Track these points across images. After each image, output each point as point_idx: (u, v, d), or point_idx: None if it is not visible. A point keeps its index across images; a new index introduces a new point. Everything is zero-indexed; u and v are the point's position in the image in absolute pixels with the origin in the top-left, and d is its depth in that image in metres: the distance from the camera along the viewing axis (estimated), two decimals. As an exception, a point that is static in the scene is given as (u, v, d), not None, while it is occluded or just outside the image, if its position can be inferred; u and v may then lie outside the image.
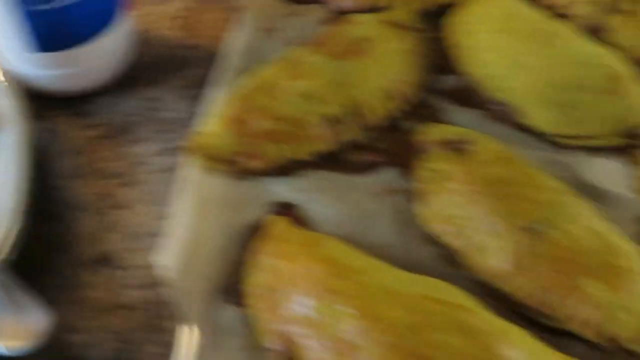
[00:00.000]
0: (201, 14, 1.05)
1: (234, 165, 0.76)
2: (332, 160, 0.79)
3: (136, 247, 0.80)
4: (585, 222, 0.72)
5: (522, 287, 0.69)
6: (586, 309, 0.67)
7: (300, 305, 0.64)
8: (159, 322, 0.75)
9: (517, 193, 0.72)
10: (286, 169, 0.77)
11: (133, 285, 0.77)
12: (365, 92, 0.81)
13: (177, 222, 0.72)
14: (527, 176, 0.74)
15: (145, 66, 0.97)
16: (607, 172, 0.84)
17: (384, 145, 0.82)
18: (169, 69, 0.97)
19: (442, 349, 0.60)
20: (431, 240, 0.75)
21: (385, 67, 0.83)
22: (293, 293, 0.65)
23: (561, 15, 0.96)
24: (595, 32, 0.93)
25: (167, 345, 0.74)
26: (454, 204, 0.74)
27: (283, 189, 0.76)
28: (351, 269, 0.65)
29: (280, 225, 0.70)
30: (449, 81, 0.90)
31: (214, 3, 1.06)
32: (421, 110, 0.86)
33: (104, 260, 0.79)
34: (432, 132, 0.81)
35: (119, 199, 0.84)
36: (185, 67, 0.98)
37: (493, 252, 0.71)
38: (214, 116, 0.79)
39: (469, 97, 0.88)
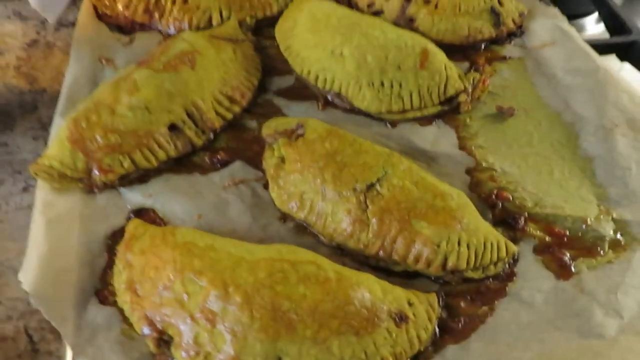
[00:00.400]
0: (44, 59, 1.08)
1: (89, 180, 0.80)
2: (181, 164, 0.85)
3: (3, 283, 0.81)
4: (412, 176, 0.81)
5: (368, 243, 0.77)
6: (419, 245, 0.76)
7: (160, 290, 0.68)
8: (37, 347, 0.77)
9: (343, 162, 0.81)
10: (139, 177, 0.82)
11: (5, 318, 0.78)
12: (199, 98, 0.87)
13: (33, 241, 0.74)
14: (353, 147, 0.83)
15: (-6, 115, 1.00)
16: (435, 136, 0.95)
17: (231, 144, 0.89)
18: (18, 114, 1.00)
19: (296, 300, 0.66)
20: (286, 217, 0.82)
21: (208, 75, 0.90)
22: (151, 281, 0.69)
23: (376, 12, 1.09)
24: (406, 23, 1.07)
25: (49, 367, 0.76)
26: (295, 182, 0.81)
27: (138, 195, 0.81)
28: (201, 248, 0.70)
29: (134, 226, 0.74)
30: (285, 81, 0.99)
31: (54, 47, 1.10)
32: (263, 109, 0.94)
33: (-27, 299, 0.79)
34: (271, 126, 0.88)
35: (-19, 240, 0.85)
36: (33, 110, 1.01)
37: (332, 217, 0.79)
38: (56, 140, 0.82)
39: (302, 92, 0.97)
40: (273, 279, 0.67)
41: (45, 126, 0.98)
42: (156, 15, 1.00)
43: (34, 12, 1.01)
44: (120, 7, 1.01)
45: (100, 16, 1.03)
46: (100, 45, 0.98)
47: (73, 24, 1.13)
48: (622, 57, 1.19)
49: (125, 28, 1.01)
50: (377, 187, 0.79)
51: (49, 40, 1.12)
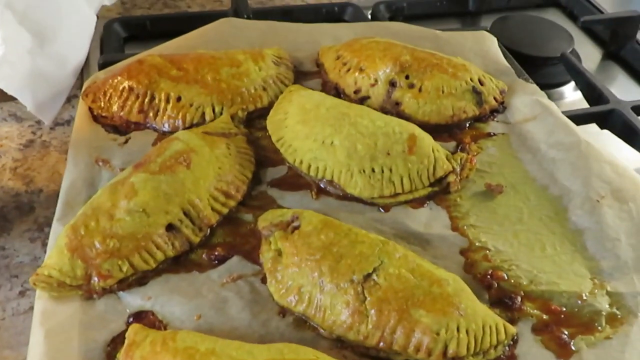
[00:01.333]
0: (40, 159, 1.11)
1: (88, 287, 0.80)
2: (179, 263, 0.86)
3: (1, 394, 0.81)
4: (407, 264, 0.82)
5: (368, 334, 0.78)
6: (418, 334, 0.76)
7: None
8: None
9: (339, 253, 0.82)
10: (138, 280, 0.83)
11: None
12: (196, 196, 0.89)
13: (33, 354, 0.74)
14: (348, 237, 0.85)
15: (-9, 218, 1.01)
16: (428, 218, 0.97)
17: (228, 239, 0.90)
18: (14, 216, 1.01)
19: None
20: (285, 312, 0.82)
21: (204, 172, 0.92)
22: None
23: (363, 98, 1.13)
24: (392, 107, 1.11)
25: None
26: (293, 276, 0.82)
27: (137, 298, 0.81)
28: (202, 353, 0.70)
29: (134, 332, 0.74)
30: (278, 172, 1.01)
31: (49, 147, 1.13)
32: (258, 201, 0.96)
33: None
34: (267, 218, 0.90)
35: (-20, 350, 0.85)
36: (30, 212, 1.02)
37: (331, 309, 0.79)
38: (55, 248, 0.83)
39: (295, 181, 1.00)
40: (275, 382, 0.67)
41: (41, 227, 0.99)
42: (150, 114, 1.03)
43: (30, 112, 1.04)
44: (115, 108, 1.04)
45: (96, 118, 1.06)
46: (97, 147, 1.00)
47: (68, 122, 1.17)
48: (602, 126, 1.23)
49: (120, 128, 1.04)
50: (374, 276, 0.80)
51: (44, 139, 1.15)
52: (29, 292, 0.90)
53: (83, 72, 1.19)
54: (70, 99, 1.18)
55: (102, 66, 1.16)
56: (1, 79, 0.97)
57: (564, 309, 0.85)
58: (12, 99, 1.01)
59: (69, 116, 1.18)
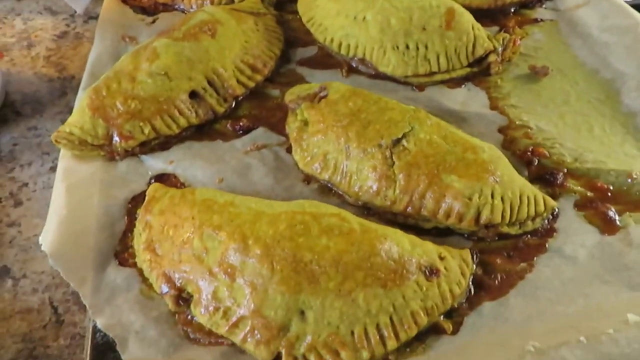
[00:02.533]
0: (73, 49, 1.10)
1: (110, 148, 0.79)
2: (203, 132, 0.84)
3: (29, 257, 0.81)
4: (440, 130, 0.77)
5: (395, 199, 0.74)
6: (449, 200, 0.72)
7: (178, 247, 0.66)
8: (62, 318, 0.76)
9: (367, 119, 0.78)
10: (160, 145, 0.81)
11: (31, 291, 0.78)
12: (220, 65, 0.86)
13: (54, 206, 0.73)
14: (377, 104, 0.80)
15: (26, 101, 1.01)
16: (465, 98, 0.91)
17: (254, 112, 0.87)
18: (47, 100, 1.01)
19: (319, 252, 0.63)
20: (310, 179, 0.79)
21: (229, 43, 0.89)
22: (170, 239, 0.67)
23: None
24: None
25: (73, 336, 0.75)
26: (319, 143, 0.79)
27: (159, 162, 0.80)
28: (220, 204, 0.68)
29: (154, 189, 0.73)
30: (308, 52, 0.97)
31: (82, 38, 1.12)
32: (286, 78, 0.93)
33: (3, 272, 0.80)
34: (294, 92, 0.86)
35: (11, 217, 0.86)
36: (62, 96, 1.02)
37: (357, 174, 0.75)
38: (77, 108, 0.82)
39: (326, 60, 0.95)
40: (294, 231, 0.64)
41: (72, 110, 0.98)
42: (178, -5, 1.01)
43: (64, 6, 1.04)
44: (143, -11, 1.02)
45: (124, 0, 1.04)
46: (124, 25, 0.99)
47: (100, 16, 1.15)
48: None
49: (148, 9, 1.02)
50: (404, 142, 0.76)
51: (78, 31, 1.14)
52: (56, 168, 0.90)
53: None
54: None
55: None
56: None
57: (611, 187, 0.79)
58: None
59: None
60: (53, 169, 0.91)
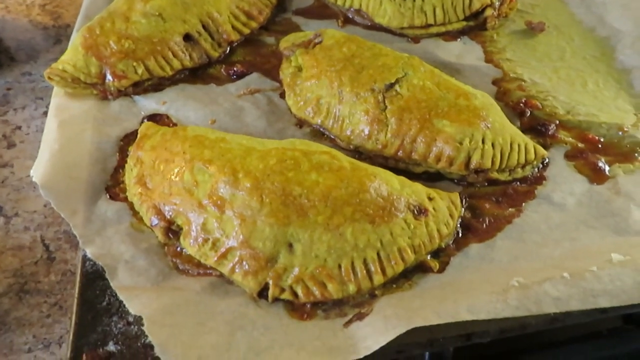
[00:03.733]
0: (69, -3, 1.10)
1: (103, 87, 0.79)
2: (197, 75, 0.84)
3: (22, 197, 0.82)
4: (433, 77, 0.77)
5: (387, 143, 0.74)
6: (440, 144, 0.72)
7: (169, 181, 0.67)
8: (53, 255, 0.77)
9: (361, 64, 0.78)
10: (154, 86, 0.81)
11: (23, 229, 0.79)
12: (215, 10, 0.86)
13: (46, 140, 0.74)
14: (371, 50, 0.80)
15: (20, 47, 1.01)
16: (460, 51, 0.91)
17: (248, 58, 0.87)
18: (42, 47, 1.01)
19: (308, 186, 0.63)
20: (302, 123, 0.79)
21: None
22: (161, 174, 0.68)
23: None
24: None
25: (64, 273, 0.76)
26: (312, 88, 0.79)
27: (152, 103, 0.80)
28: (212, 140, 0.68)
29: (146, 127, 0.73)
30: (304, 2, 0.97)
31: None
32: (281, 26, 0.93)
33: (-5, 211, 0.81)
34: (289, 39, 0.86)
35: (4, 159, 0.86)
36: (57, 43, 1.02)
37: (350, 118, 0.76)
38: (70, 47, 0.82)
39: (322, 10, 0.95)
40: (284, 166, 0.64)
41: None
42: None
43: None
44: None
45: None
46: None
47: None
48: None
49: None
50: (397, 87, 0.76)
51: (74, -19, 1.13)
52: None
53: None
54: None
55: None
56: None
57: (602, 139, 0.79)
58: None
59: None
60: (46, 113, 0.90)
